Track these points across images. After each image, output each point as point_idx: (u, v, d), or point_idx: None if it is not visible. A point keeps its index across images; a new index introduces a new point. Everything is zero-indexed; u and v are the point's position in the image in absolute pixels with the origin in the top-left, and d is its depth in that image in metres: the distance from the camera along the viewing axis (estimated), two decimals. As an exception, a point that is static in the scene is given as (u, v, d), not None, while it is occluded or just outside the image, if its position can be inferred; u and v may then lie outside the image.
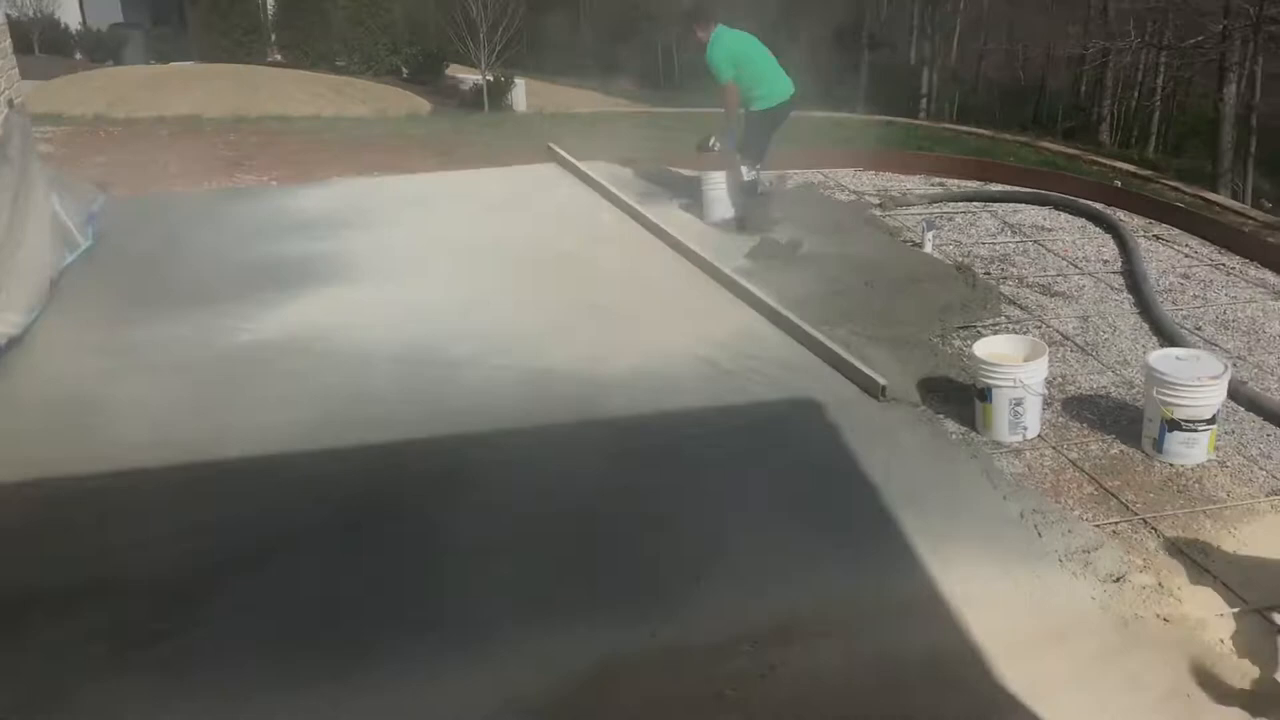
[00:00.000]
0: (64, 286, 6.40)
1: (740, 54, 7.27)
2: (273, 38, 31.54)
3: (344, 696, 3.23)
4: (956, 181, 8.46)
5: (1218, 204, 14.48)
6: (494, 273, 6.56)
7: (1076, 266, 6.74)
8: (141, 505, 4.18)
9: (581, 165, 8.50)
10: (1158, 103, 31.10)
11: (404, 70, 30.23)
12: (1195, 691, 3.31)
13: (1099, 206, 7.74)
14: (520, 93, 26.39)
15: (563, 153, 8.76)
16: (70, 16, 32.73)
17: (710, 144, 7.66)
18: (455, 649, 3.44)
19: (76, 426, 4.77)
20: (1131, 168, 20.06)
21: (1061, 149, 21.72)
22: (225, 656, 3.41)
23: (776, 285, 6.18)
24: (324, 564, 3.88)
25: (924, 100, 34.09)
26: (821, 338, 5.41)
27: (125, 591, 3.69)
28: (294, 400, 5.02)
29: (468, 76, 27.89)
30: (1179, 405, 4.48)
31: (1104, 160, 21.00)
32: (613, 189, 7.89)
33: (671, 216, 7.38)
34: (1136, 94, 32.70)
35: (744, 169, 7.40)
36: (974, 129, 23.95)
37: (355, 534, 4.05)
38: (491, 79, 26.03)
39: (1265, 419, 4.88)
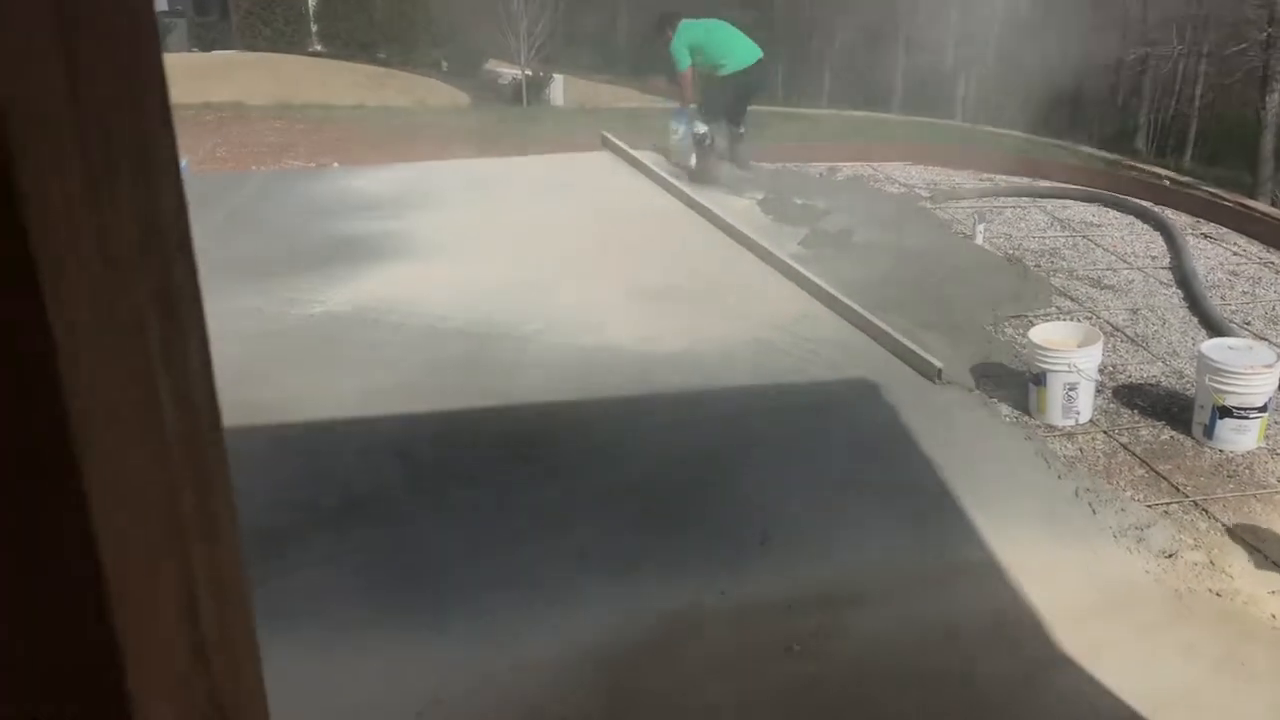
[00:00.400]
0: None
1: (699, 39, 8.11)
2: (314, 28, 31.90)
3: (432, 644, 3.38)
4: (1004, 177, 8.56)
5: (1259, 211, 14.45)
6: (555, 255, 6.72)
7: (1125, 261, 6.83)
8: (231, 460, 4.36)
9: (635, 154, 8.66)
10: (1196, 110, 30.94)
11: (444, 64, 30.50)
12: (1249, 660, 3.43)
13: (1147, 204, 7.82)
14: (558, 88, 26.64)
15: (617, 141, 8.92)
16: (116, 4, 33.25)
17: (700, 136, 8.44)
18: (533, 603, 3.58)
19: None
20: (1169, 173, 20.03)
21: (1100, 154, 21.70)
22: (316, 602, 3.57)
23: (830, 272, 6.33)
24: (406, 521, 4.04)
25: (960, 102, 34.08)
26: (878, 322, 5.55)
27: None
28: (369, 368, 5.19)
29: (506, 71, 28.13)
30: (1231, 392, 4.59)
31: (1141, 166, 21.00)
32: (667, 177, 8.04)
33: (725, 203, 7.53)
34: (1174, 101, 32.54)
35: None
36: (1010, 131, 23.97)
37: (434, 495, 4.21)
38: (530, 74, 26.26)
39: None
